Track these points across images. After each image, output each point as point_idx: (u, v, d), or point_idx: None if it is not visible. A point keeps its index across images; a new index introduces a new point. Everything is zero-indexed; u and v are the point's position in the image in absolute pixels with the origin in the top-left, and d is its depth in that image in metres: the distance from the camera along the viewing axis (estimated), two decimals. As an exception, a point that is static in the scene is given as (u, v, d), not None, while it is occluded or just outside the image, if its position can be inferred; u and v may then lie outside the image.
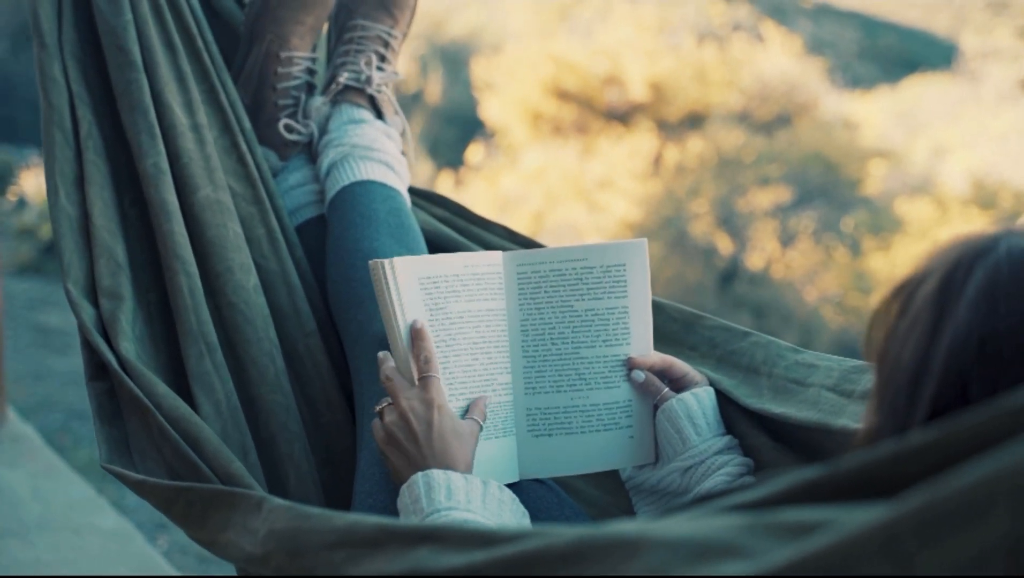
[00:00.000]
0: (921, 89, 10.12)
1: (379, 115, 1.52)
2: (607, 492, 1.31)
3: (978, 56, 10.72)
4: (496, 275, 1.21)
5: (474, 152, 9.55)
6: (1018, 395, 0.44)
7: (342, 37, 1.54)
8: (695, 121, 9.02)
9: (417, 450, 1.05)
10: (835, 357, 1.17)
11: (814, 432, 1.10)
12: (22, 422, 3.09)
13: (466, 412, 1.13)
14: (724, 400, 1.20)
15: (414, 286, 1.14)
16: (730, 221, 8.19)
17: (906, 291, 0.67)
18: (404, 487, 1.01)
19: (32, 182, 6.69)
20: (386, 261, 1.12)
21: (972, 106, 9.75)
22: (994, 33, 11.25)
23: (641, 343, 1.23)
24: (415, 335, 1.11)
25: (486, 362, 1.19)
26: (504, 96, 9.29)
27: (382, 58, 1.53)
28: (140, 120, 1.29)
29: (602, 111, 9.07)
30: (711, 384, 1.21)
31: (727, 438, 1.16)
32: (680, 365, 1.21)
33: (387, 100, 1.53)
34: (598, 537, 0.52)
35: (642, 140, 8.73)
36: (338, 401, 1.33)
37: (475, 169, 9.27)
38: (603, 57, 9.11)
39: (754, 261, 8.14)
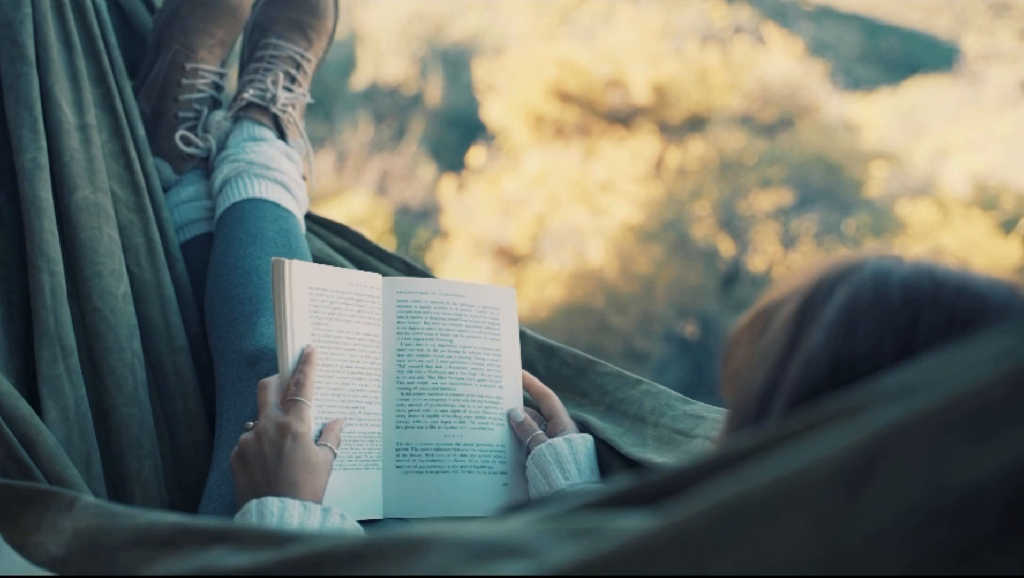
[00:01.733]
0: (923, 91, 10.12)
1: (282, 136, 1.48)
2: None
3: (980, 58, 10.72)
4: (375, 299, 1.18)
5: (476, 155, 9.56)
6: (835, 401, 0.43)
7: (253, 55, 1.51)
8: (697, 124, 9.02)
9: (262, 475, 1.00)
10: (724, 410, 1.16)
11: None
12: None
13: (320, 436, 1.07)
14: (607, 450, 1.17)
15: (305, 293, 1.10)
16: (732, 223, 8.19)
17: (767, 314, 0.64)
18: (238, 514, 0.97)
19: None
20: (288, 261, 1.09)
21: (974, 108, 9.74)
22: (996, 35, 11.24)
23: (511, 390, 1.21)
24: (303, 358, 1.07)
25: (357, 388, 1.14)
26: (506, 99, 9.29)
27: (292, 79, 1.49)
28: (24, 114, 1.25)
29: (604, 114, 9.07)
30: (597, 432, 1.18)
31: (598, 487, 1.10)
32: (554, 402, 1.19)
33: (292, 122, 1.48)
34: (387, 538, 0.51)
35: (644, 143, 8.73)
36: (201, 423, 1.28)
37: (477, 172, 9.27)
38: (605, 60, 9.11)
39: (756, 263, 8.14)
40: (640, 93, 8.97)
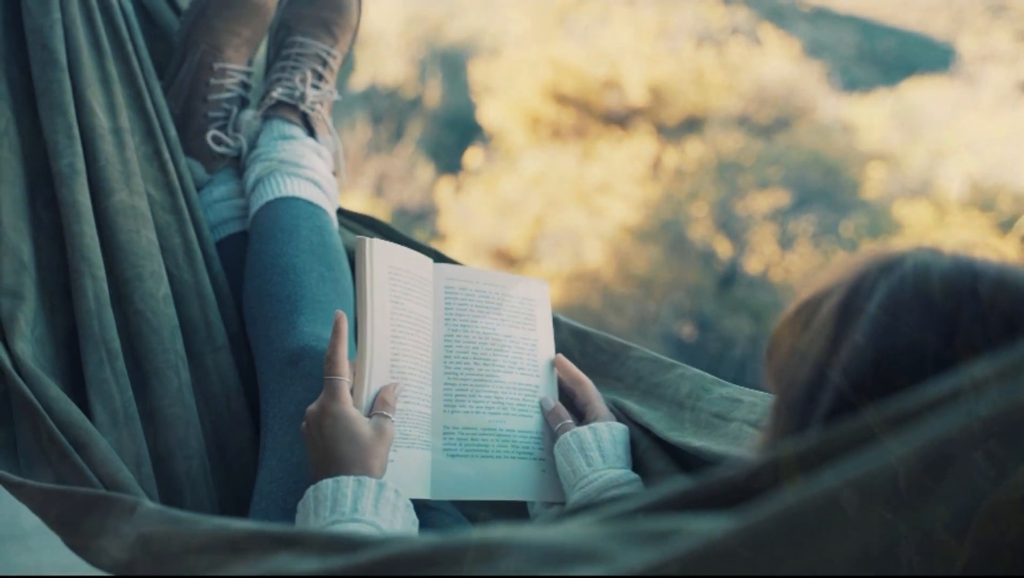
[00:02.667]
0: (920, 92, 10.13)
1: (311, 133, 1.49)
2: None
3: (977, 59, 10.73)
4: (428, 283, 1.20)
5: (473, 156, 9.55)
6: (884, 407, 0.43)
7: (280, 53, 1.52)
8: (694, 125, 9.02)
9: (317, 459, 1.03)
10: (760, 392, 1.16)
11: None
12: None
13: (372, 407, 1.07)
14: (645, 435, 1.18)
15: (385, 273, 1.12)
16: (729, 225, 8.19)
17: (809, 308, 0.65)
18: (299, 503, 1.00)
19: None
20: (369, 240, 1.11)
21: (971, 109, 9.75)
22: (993, 36, 11.25)
23: (546, 380, 1.23)
24: (333, 330, 1.07)
25: (420, 370, 1.16)
26: (503, 100, 9.29)
27: (319, 76, 1.51)
28: (58, 120, 1.26)
29: (601, 115, 9.07)
30: (635, 416, 1.19)
31: (622, 471, 1.13)
32: (588, 391, 1.20)
33: (320, 119, 1.50)
34: (457, 541, 0.52)
35: (641, 144, 8.73)
36: (245, 421, 1.30)
37: (474, 173, 9.27)
38: (602, 61, 9.11)
39: (753, 265, 8.14)
40: (637, 94, 8.97)
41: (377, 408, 1.07)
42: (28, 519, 2.58)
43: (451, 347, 1.19)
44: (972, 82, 10.31)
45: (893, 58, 11.79)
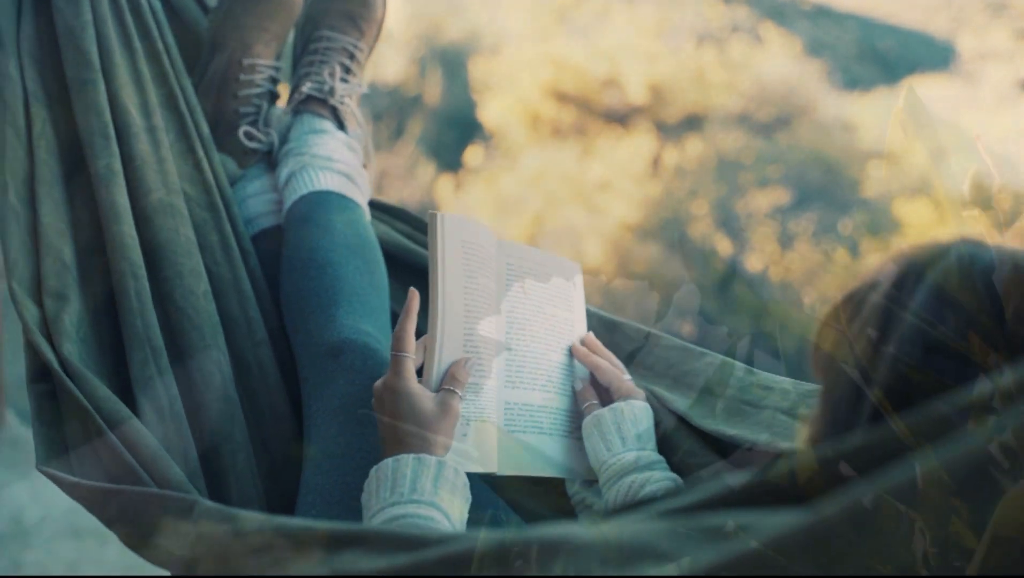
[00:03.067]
0: (920, 90, 10.12)
1: (341, 127, 1.50)
2: (552, 510, 1.30)
3: (976, 57, 10.73)
4: (494, 258, 1.20)
5: (473, 154, 9.55)
6: (927, 407, 0.44)
7: (307, 48, 1.53)
8: (694, 123, 9.02)
9: (382, 432, 1.04)
10: (790, 380, 1.17)
11: (765, 455, 1.09)
12: (22, 425, 3.09)
13: (442, 381, 1.07)
14: (677, 420, 1.19)
15: (459, 248, 1.12)
16: (729, 223, 8.19)
17: (856, 300, 0.66)
18: (365, 483, 1.00)
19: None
20: (440, 214, 1.11)
21: (971, 107, 9.75)
22: (992, 34, 11.25)
23: (580, 365, 1.24)
24: (404, 310, 1.08)
25: (491, 344, 1.16)
26: (503, 98, 9.29)
27: (347, 70, 1.52)
28: (94, 121, 1.27)
29: (601, 113, 9.07)
30: (667, 403, 1.20)
31: (637, 454, 1.12)
32: (605, 373, 1.20)
33: (350, 112, 1.51)
34: (522, 539, 0.53)
35: (641, 142, 8.73)
36: (286, 413, 1.31)
37: (474, 171, 9.27)
38: (602, 59, 9.11)
39: (753, 263, 8.14)
40: (637, 92, 8.97)
41: (446, 384, 1.06)
42: (30, 518, 2.58)
43: (511, 323, 1.19)
44: (972, 80, 10.31)
45: (893, 56, 11.78)
